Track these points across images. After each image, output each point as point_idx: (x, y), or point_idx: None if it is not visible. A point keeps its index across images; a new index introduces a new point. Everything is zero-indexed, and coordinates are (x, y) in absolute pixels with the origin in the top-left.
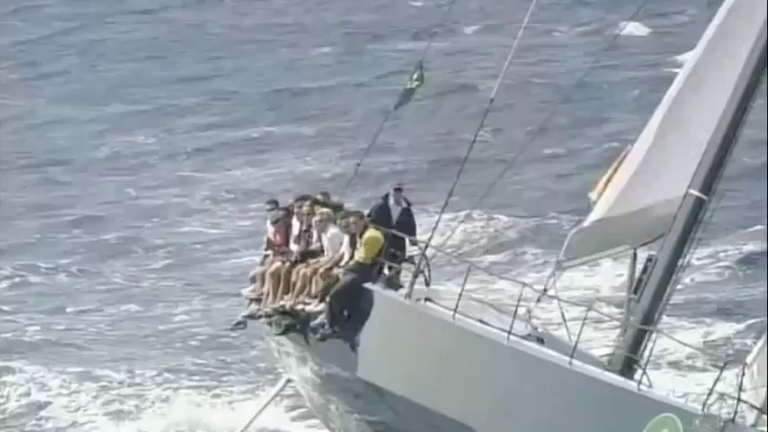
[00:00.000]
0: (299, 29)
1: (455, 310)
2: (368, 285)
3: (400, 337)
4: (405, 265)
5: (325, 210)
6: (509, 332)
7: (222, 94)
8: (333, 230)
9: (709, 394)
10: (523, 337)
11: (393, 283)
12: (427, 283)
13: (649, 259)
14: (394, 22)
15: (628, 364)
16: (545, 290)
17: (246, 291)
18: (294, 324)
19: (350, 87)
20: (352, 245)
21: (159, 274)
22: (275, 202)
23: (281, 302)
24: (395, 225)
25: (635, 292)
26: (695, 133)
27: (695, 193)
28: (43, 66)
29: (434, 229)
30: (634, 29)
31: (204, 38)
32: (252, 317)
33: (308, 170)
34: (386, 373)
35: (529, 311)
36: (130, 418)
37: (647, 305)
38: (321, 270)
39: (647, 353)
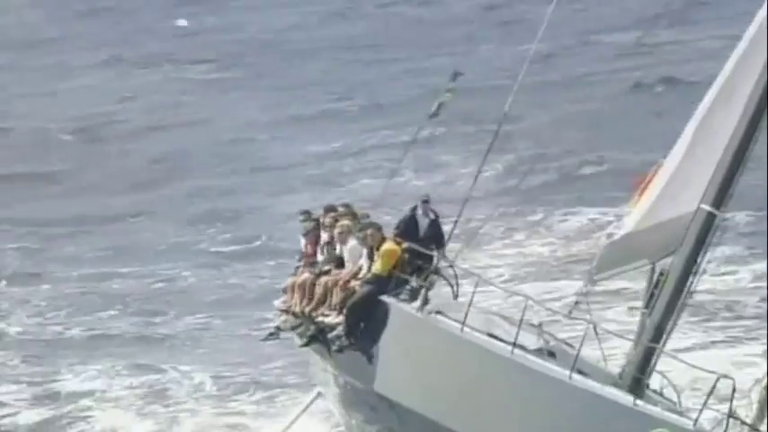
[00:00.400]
0: None
1: (463, 324)
2: (383, 298)
3: (411, 351)
4: (434, 276)
5: (345, 222)
6: (513, 345)
7: None
8: (352, 242)
9: (701, 411)
10: (534, 351)
11: (418, 295)
12: (455, 296)
13: (661, 273)
14: None
15: (637, 378)
16: (576, 302)
17: (278, 302)
18: (317, 335)
19: None
20: (371, 257)
21: None
22: (308, 213)
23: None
24: (423, 237)
25: (646, 307)
26: (720, 146)
27: (707, 208)
28: None
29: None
30: None
31: None
32: (279, 328)
33: None
34: (397, 386)
35: (540, 324)
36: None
37: (658, 320)
38: (340, 282)
39: (656, 366)
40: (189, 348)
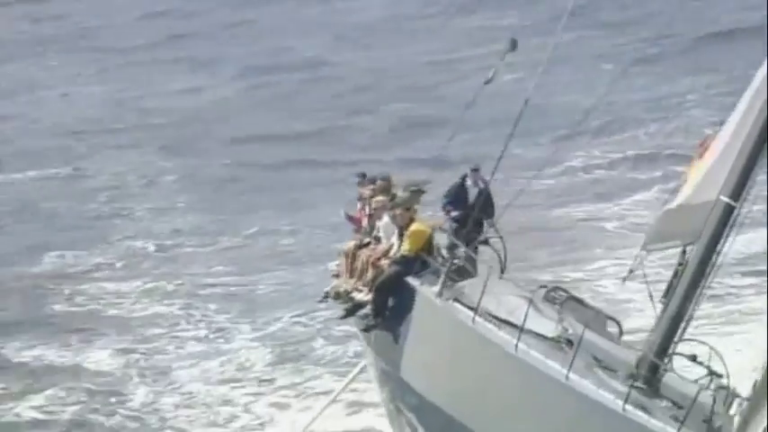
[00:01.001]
0: None
1: (476, 311)
2: (409, 279)
3: (428, 337)
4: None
5: (380, 198)
6: (518, 339)
7: None
8: (386, 219)
9: (684, 420)
10: (548, 341)
11: (464, 272)
12: (503, 269)
13: (680, 264)
14: None
15: (653, 367)
16: (631, 271)
17: (332, 265)
18: (352, 310)
19: None
20: (401, 236)
21: None
22: (364, 176)
23: (341, 285)
24: (472, 206)
25: (665, 297)
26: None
27: (725, 199)
28: None
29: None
30: None
31: None
32: (327, 294)
33: None
34: (417, 373)
35: (560, 311)
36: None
37: (674, 310)
38: (372, 259)
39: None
40: None
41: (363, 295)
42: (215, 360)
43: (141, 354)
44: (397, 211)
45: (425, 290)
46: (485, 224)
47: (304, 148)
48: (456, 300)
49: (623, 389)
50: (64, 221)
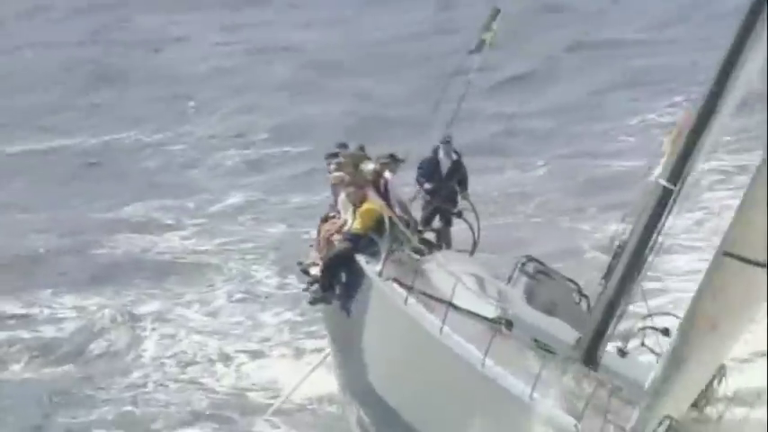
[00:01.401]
0: None
1: (409, 290)
2: (358, 256)
3: (366, 316)
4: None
5: (337, 174)
6: (446, 314)
7: None
8: (343, 195)
9: (584, 410)
10: (488, 321)
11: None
12: (475, 242)
13: (619, 246)
14: None
15: (591, 349)
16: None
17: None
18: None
19: None
20: (354, 214)
21: None
22: (344, 146)
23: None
24: (445, 178)
25: (604, 278)
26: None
27: (663, 182)
28: None
29: None
30: None
31: None
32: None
33: None
34: (355, 351)
35: (500, 290)
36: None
37: (612, 293)
38: (328, 234)
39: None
40: None
41: (317, 270)
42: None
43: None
44: (350, 189)
45: (369, 268)
46: (458, 197)
47: None
48: (395, 279)
49: (550, 374)
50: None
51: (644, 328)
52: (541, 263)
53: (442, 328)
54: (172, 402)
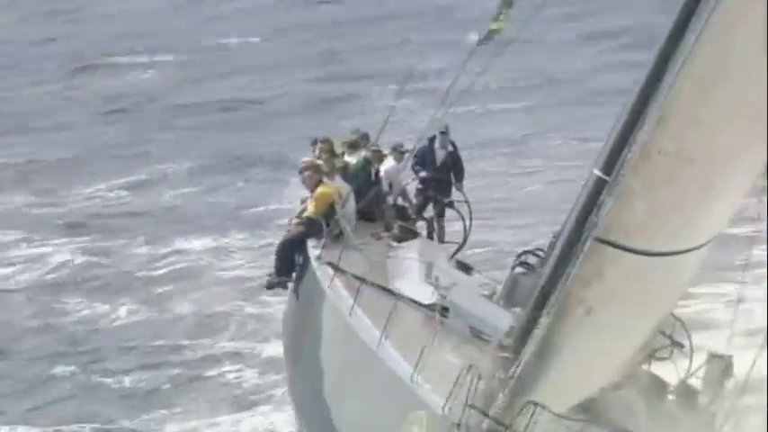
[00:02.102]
0: None
1: (336, 270)
2: (309, 240)
3: (306, 298)
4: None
5: (305, 159)
6: (355, 300)
7: None
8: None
9: (448, 398)
10: (427, 306)
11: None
12: (466, 234)
13: (554, 236)
14: None
15: (521, 340)
16: None
17: None
18: None
19: None
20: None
21: None
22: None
23: None
24: (439, 168)
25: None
26: None
27: (597, 173)
28: None
29: None
30: None
31: None
32: None
33: None
34: (299, 332)
35: (437, 276)
36: None
37: (545, 282)
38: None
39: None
40: None
41: None
42: None
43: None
44: (306, 173)
45: (312, 252)
46: (452, 187)
47: None
48: (330, 263)
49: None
50: None
51: None
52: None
53: (352, 309)
54: None
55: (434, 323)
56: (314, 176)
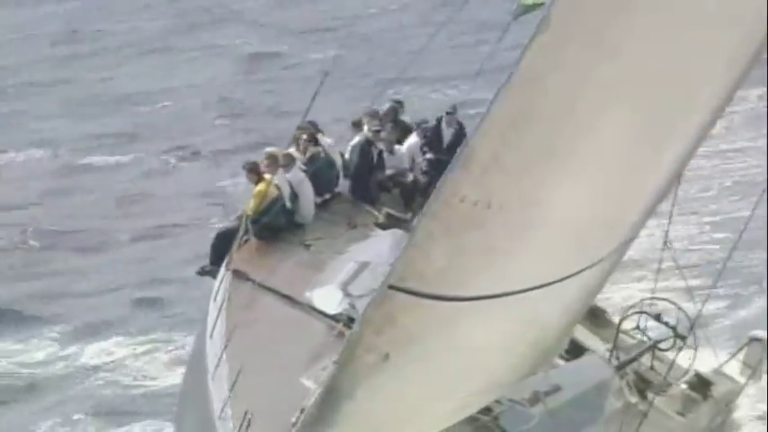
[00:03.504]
0: None
1: (233, 281)
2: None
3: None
4: None
5: (268, 150)
6: (220, 309)
7: None
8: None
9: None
10: (332, 317)
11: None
12: None
13: None
14: None
15: None
16: None
17: None
18: None
19: None
20: None
21: None
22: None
23: None
24: (446, 149)
25: None
26: None
27: None
28: None
29: None
30: None
31: None
32: None
33: None
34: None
35: (346, 286)
36: None
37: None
38: None
39: None
40: None
41: None
42: None
43: None
44: (247, 168)
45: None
46: None
47: None
48: (234, 268)
49: None
50: None
51: (638, 313)
52: None
53: (212, 331)
54: None
55: (331, 336)
56: (251, 175)
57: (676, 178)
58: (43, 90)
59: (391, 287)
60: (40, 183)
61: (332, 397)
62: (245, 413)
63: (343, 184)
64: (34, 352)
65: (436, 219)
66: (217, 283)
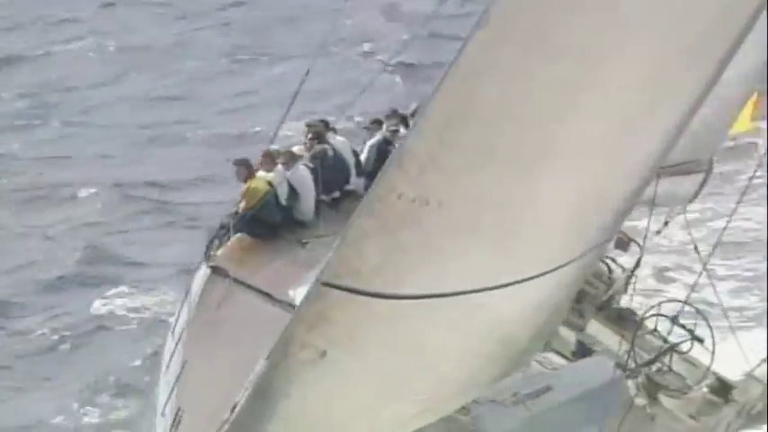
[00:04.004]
0: None
1: (210, 277)
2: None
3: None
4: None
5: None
6: (191, 308)
7: None
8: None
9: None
10: None
11: None
12: None
13: None
14: None
15: None
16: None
17: None
18: None
19: None
20: None
21: None
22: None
23: None
24: None
25: None
26: None
27: None
28: None
29: None
30: None
31: None
32: None
33: None
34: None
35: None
36: None
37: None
38: None
39: None
40: None
41: None
42: None
43: None
44: (237, 167)
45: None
46: None
47: None
48: (213, 266)
49: None
50: None
51: (654, 315)
52: None
53: (174, 328)
54: None
55: None
56: (241, 171)
57: (645, 181)
58: None
59: (325, 284)
60: None
61: (265, 394)
62: (178, 410)
63: (357, 183)
64: None
65: (372, 215)
66: (194, 279)
